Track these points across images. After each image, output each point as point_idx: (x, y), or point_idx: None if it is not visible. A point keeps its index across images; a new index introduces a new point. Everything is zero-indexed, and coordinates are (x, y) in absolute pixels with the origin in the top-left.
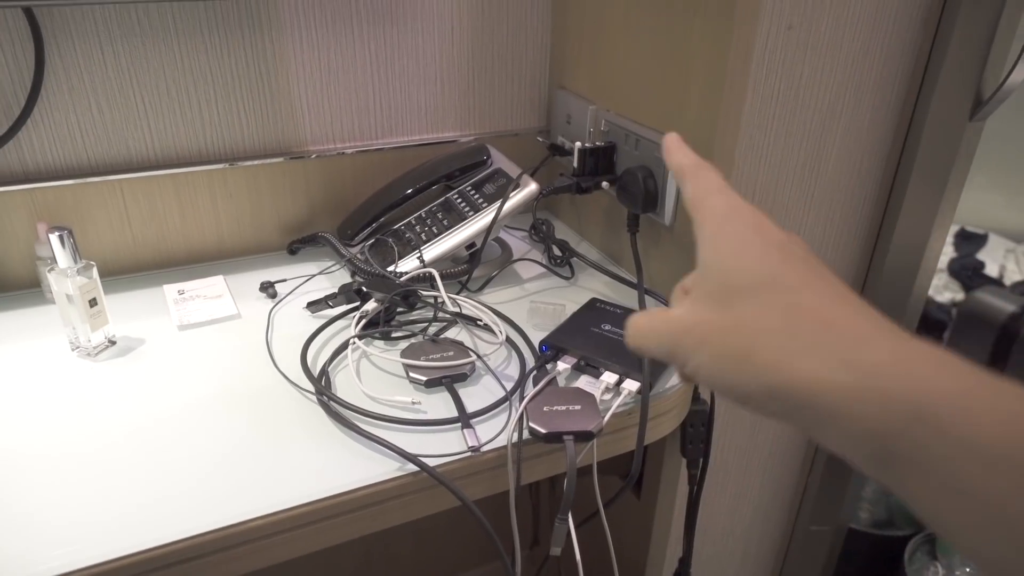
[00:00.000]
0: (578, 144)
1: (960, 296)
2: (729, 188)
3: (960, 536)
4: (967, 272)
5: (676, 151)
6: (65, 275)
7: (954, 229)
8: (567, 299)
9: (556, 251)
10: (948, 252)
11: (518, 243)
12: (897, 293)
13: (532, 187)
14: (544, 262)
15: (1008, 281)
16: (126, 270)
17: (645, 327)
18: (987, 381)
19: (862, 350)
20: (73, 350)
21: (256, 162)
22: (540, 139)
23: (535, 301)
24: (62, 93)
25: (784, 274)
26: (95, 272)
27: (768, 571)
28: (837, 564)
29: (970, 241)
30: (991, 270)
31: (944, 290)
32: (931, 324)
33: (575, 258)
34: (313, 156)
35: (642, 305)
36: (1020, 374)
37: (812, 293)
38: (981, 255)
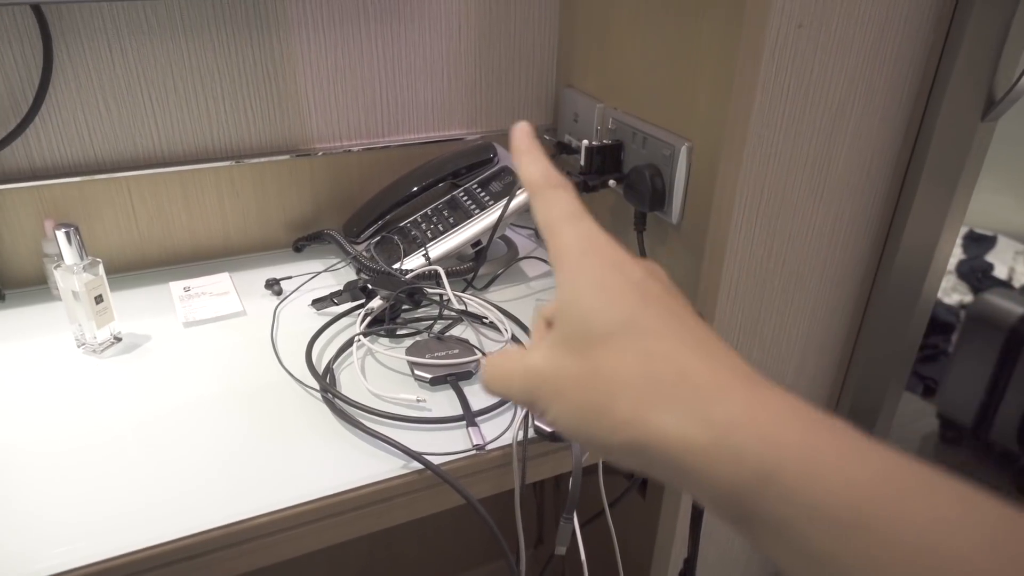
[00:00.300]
0: (585, 142)
1: (968, 298)
2: (583, 213)
3: None
4: (976, 274)
5: (525, 154)
6: (71, 272)
7: (963, 231)
8: None
9: None
10: (957, 254)
11: (524, 241)
12: (906, 294)
13: None
14: (550, 261)
15: (1017, 283)
16: (132, 267)
17: (501, 373)
18: (838, 437)
19: (716, 404)
20: (79, 347)
21: (263, 160)
22: (547, 137)
23: (541, 299)
24: (70, 91)
25: (642, 317)
26: (101, 269)
27: (773, 573)
28: None
29: (979, 243)
30: (1000, 272)
31: (952, 292)
32: (939, 326)
33: None
34: (320, 154)
35: None
36: None
37: (669, 338)
38: (990, 257)
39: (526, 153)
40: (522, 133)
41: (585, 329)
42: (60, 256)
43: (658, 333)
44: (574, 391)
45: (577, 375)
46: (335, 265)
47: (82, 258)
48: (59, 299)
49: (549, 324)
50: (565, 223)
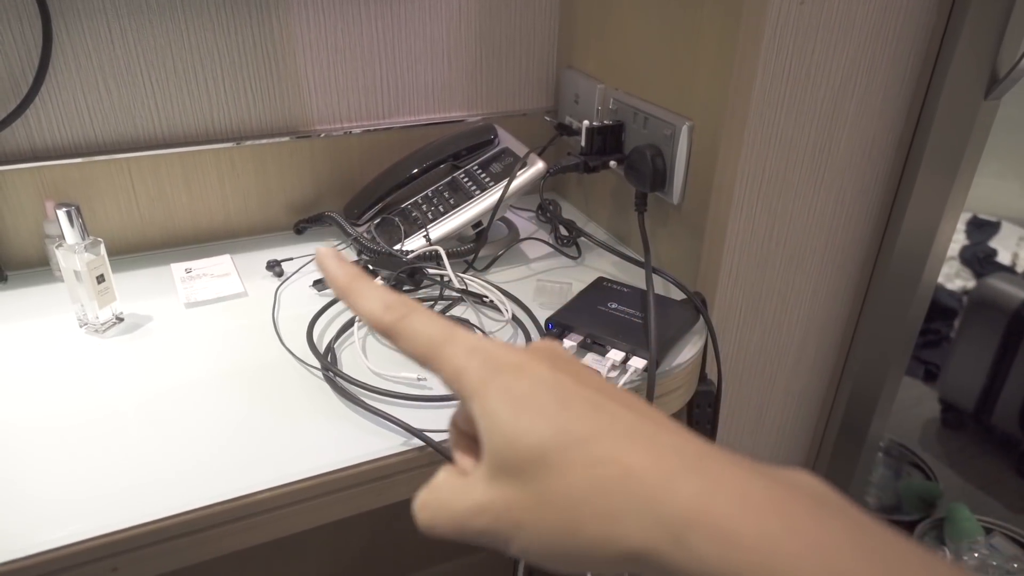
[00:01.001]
0: (586, 123)
1: (971, 284)
2: (446, 324)
3: None
4: (979, 260)
5: (350, 289)
6: (73, 251)
7: (966, 217)
8: (574, 279)
9: (563, 231)
10: (960, 240)
11: (525, 223)
12: (907, 277)
13: (539, 166)
14: (551, 242)
15: (1020, 269)
16: (133, 249)
17: (445, 514)
18: (797, 521)
19: (666, 502)
20: (81, 327)
21: (263, 141)
22: (548, 118)
23: (541, 280)
24: (69, 71)
25: (567, 423)
26: (103, 249)
27: None
28: None
29: (982, 229)
30: (1003, 258)
31: (955, 278)
32: (942, 311)
33: (582, 238)
34: (320, 135)
35: (649, 285)
36: None
37: (603, 437)
38: (993, 243)
39: (350, 287)
40: (327, 259)
41: (516, 455)
42: (62, 236)
43: (590, 436)
44: (533, 521)
45: (529, 504)
46: (336, 247)
47: (83, 238)
48: (61, 280)
49: (463, 437)
50: (441, 347)
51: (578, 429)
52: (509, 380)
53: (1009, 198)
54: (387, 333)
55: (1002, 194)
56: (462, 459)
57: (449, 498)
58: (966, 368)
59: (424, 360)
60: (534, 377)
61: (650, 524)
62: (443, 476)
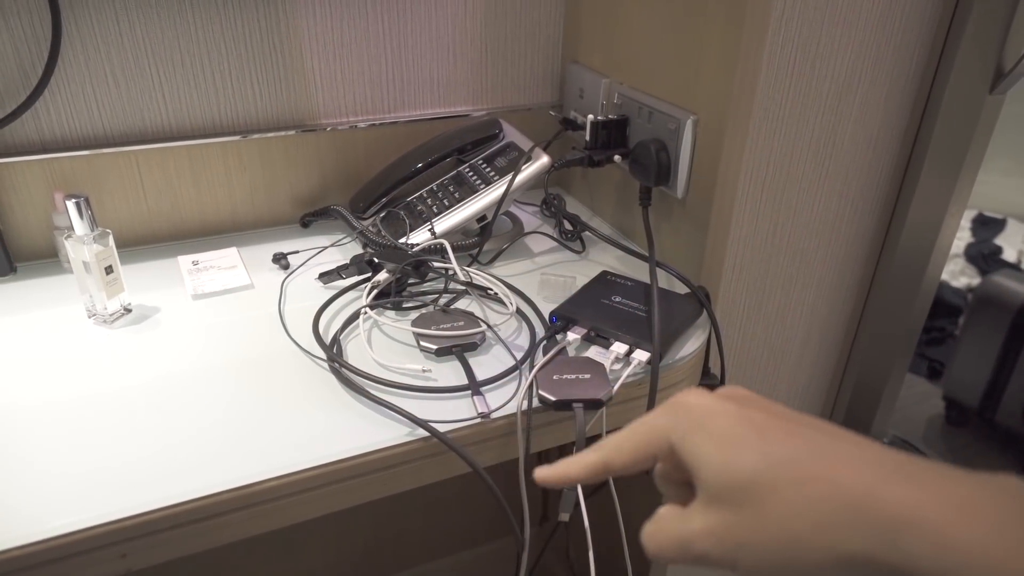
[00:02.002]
0: (591, 117)
1: (976, 281)
2: (644, 418)
3: None
4: (984, 257)
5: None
6: (82, 242)
7: (972, 214)
8: (578, 272)
9: (567, 225)
10: (965, 237)
11: (529, 218)
12: (910, 273)
13: (544, 160)
14: (555, 236)
15: None
16: (141, 241)
17: (670, 539)
18: (1011, 528)
19: (875, 508)
20: (90, 317)
21: (269, 135)
22: (552, 113)
23: (546, 273)
24: (78, 64)
25: (770, 450)
26: (111, 240)
27: None
28: None
29: (988, 226)
30: (1009, 255)
31: (960, 275)
32: (946, 309)
33: (586, 232)
34: (326, 129)
35: (653, 278)
36: None
37: (806, 459)
38: (999, 240)
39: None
40: (550, 478)
41: (729, 485)
42: (70, 227)
43: (792, 459)
44: (754, 539)
45: (748, 525)
46: (341, 240)
47: (92, 228)
48: (70, 271)
49: (673, 484)
50: (642, 429)
51: (780, 454)
52: (708, 422)
53: (1015, 195)
54: (605, 470)
55: (1008, 191)
56: (676, 497)
57: (672, 527)
58: (970, 365)
59: (643, 455)
60: (729, 416)
61: (864, 530)
62: (665, 510)
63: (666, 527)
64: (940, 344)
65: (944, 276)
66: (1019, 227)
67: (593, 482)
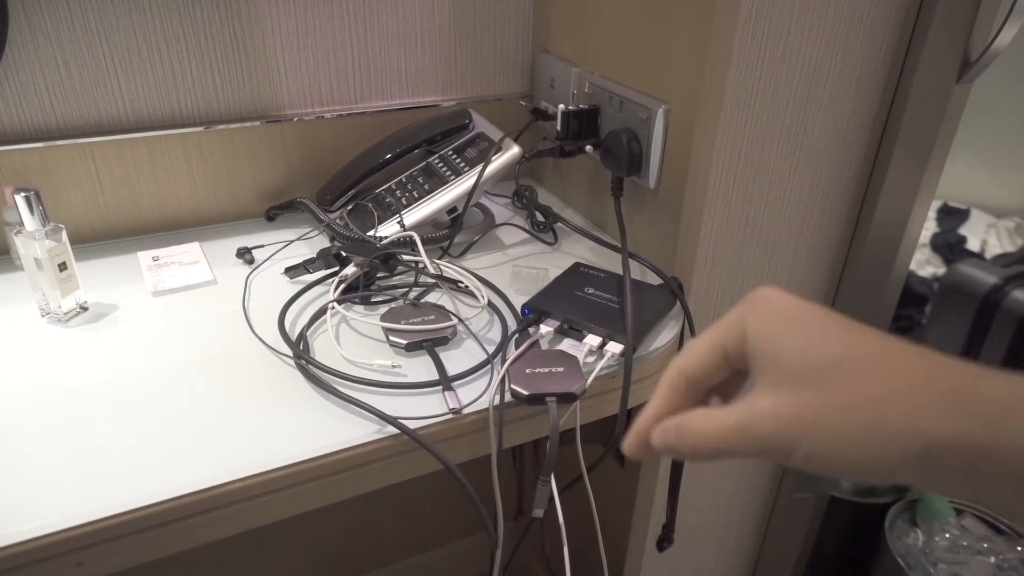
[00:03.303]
0: (561, 106)
1: (942, 270)
2: (731, 312)
3: None
4: (949, 246)
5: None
6: (33, 238)
7: (937, 204)
8: (550, 264)
9: (539, 216)
10: (931, 227)
11: (501, 210)
12: (880, 263)
13: (515, 150)
14: (527, 227)
15: (989, 255)
16: (99, 237)
17: (716, 431)
18: None
19: (977, 393)
20: (43, 316)
21: (232, 126)
22: (523, 103)
23: (518, 265)
24: (27, 51)
25: (856, 341)
26: (64, 235)
27: (751, 539)
28: (819, 532)
29: (952, 216)
30: (973, 245)
31: (926, 264)
32: (913, 297)
33: (558, 223)
34: (291, 120)
35: (626, 270)
36: (999, 345)
37: (895, 352)
38: (963, 230)
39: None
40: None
41: (815, 364)
42: (21, 223)
43: (882, 352)
44: (832, 419)
45: (832, 403)
46: (308, 234)
47: (44, 224)
48: (22, 269)
49: (691, 389)
50: (717, 330)
51: (867, 345)
52: (788, 313)
53: (978, 186)
54: (685, 381)
55: (972, 182)
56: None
57: (717, 417)
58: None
59: (718, 349)
60: (809, 309)
61: (962, 414)
62: (700, 411)
63: (707, 419)
64: (908, 332)
65: (911, 266)
66: (982, 217)
67: (677, 405)
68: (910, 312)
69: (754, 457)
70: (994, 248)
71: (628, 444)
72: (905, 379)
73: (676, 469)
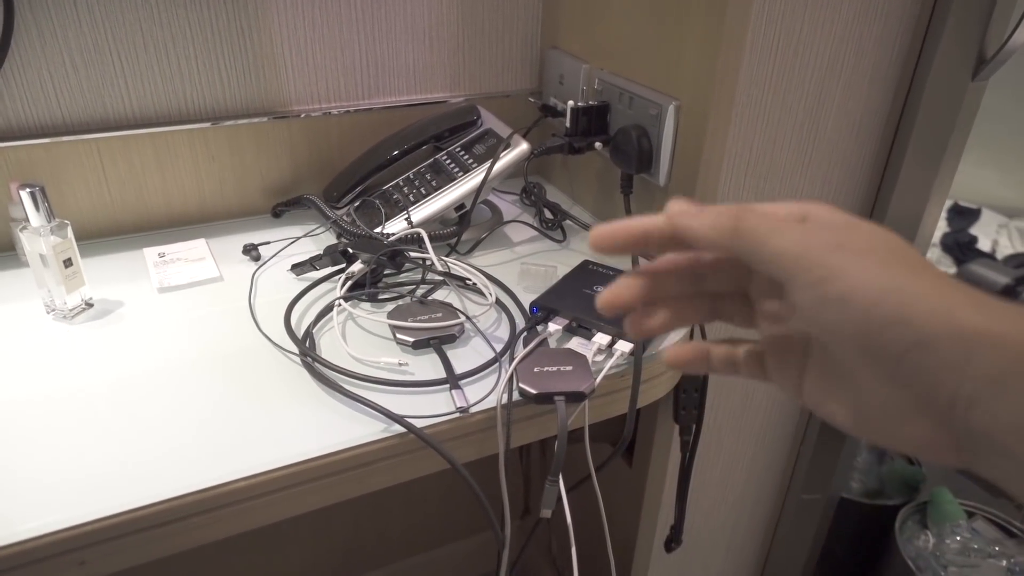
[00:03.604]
0: (571, 103)
1: (952, 271)
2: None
3: None
4: (959, 246)
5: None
6: (38, 234)
7: (948, 204)
8: (559, 262)
9: (548, 214)
10: (941, 227)
11: (509, 207)
12: None
13: (523, 147)
14: (535, 225)
15: (1000, 255)
16: (105, 233)
17: (774, 217)
18: None
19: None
20: (48, 313)
21: (239, 122)
22: (532, 100)
23: (526, 263)
24: (34, 49)
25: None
26: (70, 231)
27: (759, 540)
28: (828, 533)
29: (963, 216)
30: (983, 245)
31: (937, 264)
32: None
33: (567, 221)
34: (299, 116)
35: (636, 267)
36: None
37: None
38: (974, 230)
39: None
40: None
41: (848, 223)
42: (26, 219)
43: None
44: (886, 246)
45: (883, 237)
46: (315, 231)
47: (49, 220)
48: (27, 265)
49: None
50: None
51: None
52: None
53: (989, 186)
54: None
55: (982, 182)
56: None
57: (779, 209)
58: None
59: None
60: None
61: (989, 310)
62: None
63: (772, 209)
64: None
65: None
66: (993, 217)
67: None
68: None
69: (774, 271)
70: (1005, 248)
71: (597, 232)
72: (938, 276)
73: (685, 470)
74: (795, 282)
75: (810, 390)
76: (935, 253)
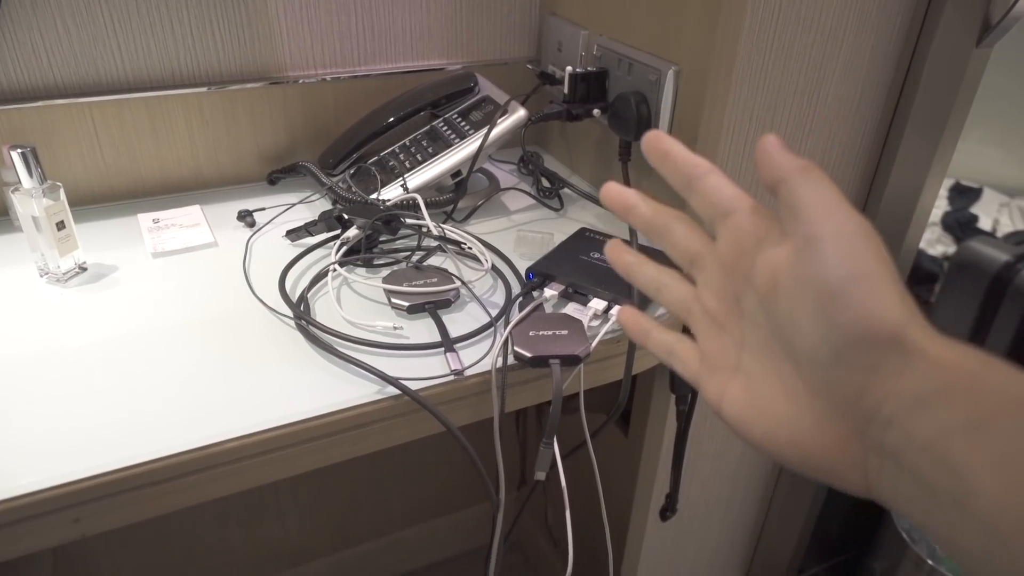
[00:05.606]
0: (569, 69)
1: (952, 250)
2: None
3: None
4: (960, 225)
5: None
6: (30, 196)
7: (949, 183)
8: (556, 230)
9: (545, 183)
10: (942, 206)
11: (506, 176)
12: (890, 240)
13: (521, 113)
14: (533, 193)
15: (1000, 235)
16: (98, 199)
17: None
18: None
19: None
20: (42, 276)
21: (233, 87)
22: (530, 67)
23: (522, 230)
24: (24, 9)
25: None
26: (62, 193)
27: (755, 511)
28: (823, 505)
29: (964, 195)
30: (984, 224)
31: (937, 243)
32: (923, 276)
33: (565, 189)
34: (294, 82)
35: (634, 236)
36: (1009, 324)
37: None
38: (975, 209)
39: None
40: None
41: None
42: (18, 181)
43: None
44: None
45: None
46: (310, 197)
47: (41, 182)
48: (20, 230)
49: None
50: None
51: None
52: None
53: (991, 165)
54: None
55: (984, 160)
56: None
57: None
58: (946, 331)
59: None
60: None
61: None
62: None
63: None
64: None
65: (921, 244)
66: (995, 196)
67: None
68: (919, 291)
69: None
70: (1006, 227)
71: (609, 188)
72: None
73: (680, 439)
74: (812, 230)
75: (734, 397)
76: (935, 232)
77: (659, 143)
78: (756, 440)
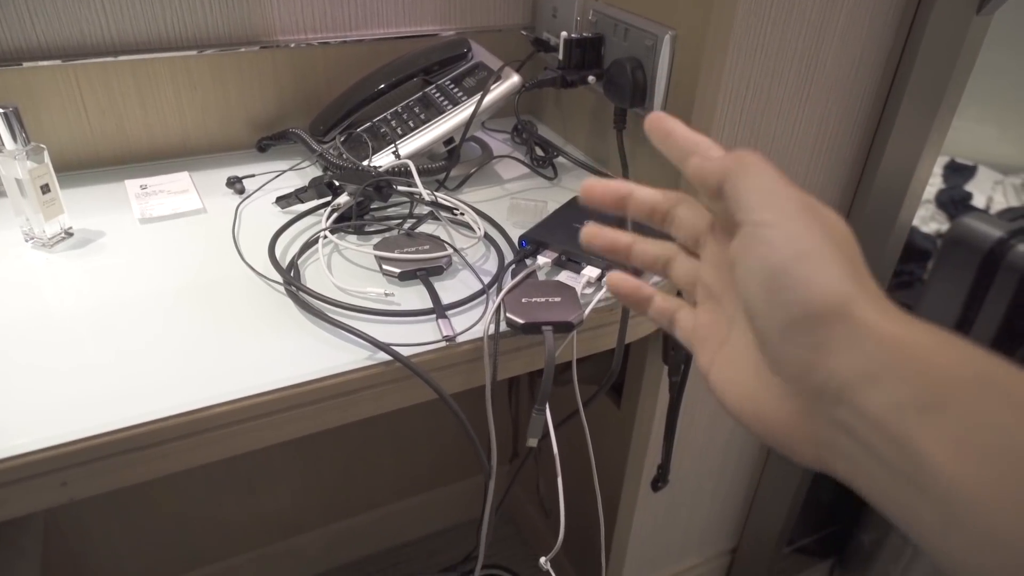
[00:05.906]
0: (564, 34)
1: (946, 228)
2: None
3: None
4: (954, 203)
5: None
6: (13, 158)
7: (944, 160)
8: (549, 199)
9: (539, 151)
10: (936, 183)
11: (500, 145)
12: (884, 216)
13: (514, 79)
14: (527, 162)
15: (993, 212)
16: (85, 165)
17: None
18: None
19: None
20: (27, 241)
21: (221, 51)
22: (524, 34)
23: (516, 198)
24: None
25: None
26: (47, 156)
27: (746, 483)
28: (813, 480)
29: (959, 173)
30: (978, 201)
31: (931, 221)
32: (916, 253)
33: (559, 158)
34: (291, 44)
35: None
36: (1001, 299)
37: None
38: (969, 187)
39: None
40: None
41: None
42: (1, 143)
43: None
44: (840, 237)
45: (840, 228)
46: (300, 164)
47: (25, 144)
48: (5, 194)
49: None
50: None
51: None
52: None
53: (986, 143)
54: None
55: (979, 138)
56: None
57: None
58: (938, 307)
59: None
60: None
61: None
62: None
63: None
64: (908, 287)
65: (915, 222)
66: (989, 173)
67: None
68: (912, 268)
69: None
70: (999, 205)
71: (591, 185)
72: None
73: (672, 410)
74: (755, 216)
75: (719, 367)
76: (929, 209)
77: (661, 123)
78: (730, 411)
